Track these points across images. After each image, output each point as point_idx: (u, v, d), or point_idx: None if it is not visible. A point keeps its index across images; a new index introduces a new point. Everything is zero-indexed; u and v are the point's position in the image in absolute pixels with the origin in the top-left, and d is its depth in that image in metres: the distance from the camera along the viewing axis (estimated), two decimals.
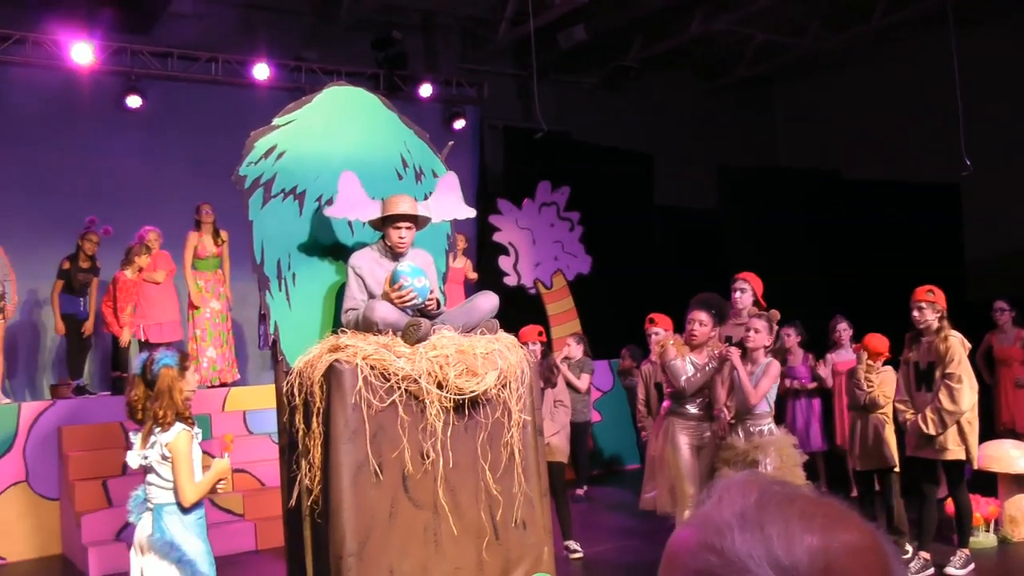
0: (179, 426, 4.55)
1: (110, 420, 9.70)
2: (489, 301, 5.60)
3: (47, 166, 11.38)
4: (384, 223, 5.51)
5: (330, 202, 5.69)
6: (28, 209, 11.07)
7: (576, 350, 10.39)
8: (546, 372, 7.69)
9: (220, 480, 4.74)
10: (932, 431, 6.78)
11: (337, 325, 5.48)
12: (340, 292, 5.69)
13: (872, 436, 7.57)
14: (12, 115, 11.31)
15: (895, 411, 7.32)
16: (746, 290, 7.49)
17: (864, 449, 7.63)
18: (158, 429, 4.57)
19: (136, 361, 4.78)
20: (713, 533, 0.96)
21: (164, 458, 4.55)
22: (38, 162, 11.36)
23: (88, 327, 10.47)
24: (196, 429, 4.70)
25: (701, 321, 6.80)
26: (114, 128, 11.95)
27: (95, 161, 11.65)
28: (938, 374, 6.84)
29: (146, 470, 4.64)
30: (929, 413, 6.80)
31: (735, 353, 6.60)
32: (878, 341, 7.62)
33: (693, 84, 16.57)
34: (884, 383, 7.52)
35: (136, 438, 4.72)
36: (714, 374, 6.77)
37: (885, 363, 7.65)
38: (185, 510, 4.56)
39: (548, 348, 8.51)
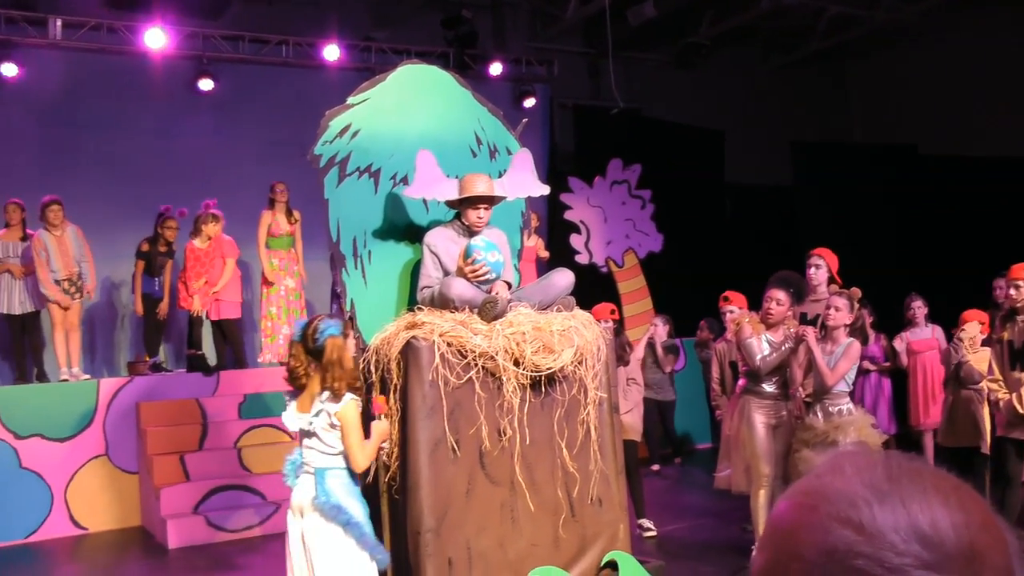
0: (348, 396, 4.56)
1: (186, 396, 9.90)
2: (565, 278, 5.60)
3: (122, 149, 11.55)
4: (461, 202, 5.53)
5: (405, 180, 5.72)
6: (104, 192, 11.26)
7: (662, 331, 10.66)
8: (619, 350, 7.68)
9: (383, 442, 4.82)
10: None
11: (412, 303, 5.50)
12: (415, 270, 5.71)
13: (964, 413, 7.44)
14: (88, 100, 11.50)
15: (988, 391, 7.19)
16: (821, 266, 7.39)
17: (953, 426, 7.49)
18: (325, 396, 4.58)
19: (296, 327, 4.81)
20: (845, 506, 0.91)
21: (332, 426, 4.58)
22: (113, 146, 11.54)
23: (163, 307, 10.63)
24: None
25: (779, 300, 6.72)
26: (187, 111, 12.10)
27: (169, 144, 11.81)
28: None
29: (305, 434, 4.67)
30: None
31: (811, 333, 6.51)
32: (980, 315, 7.49)
33: (765, 59, 16.34)
34: (979, 362, 7.38)
35: (292, 402, 4.76)
36: (790, 354, 6.70)
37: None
38: (352, 475, 4.63)
39: (620, 326, 8.49)
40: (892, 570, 0.87)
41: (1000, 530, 0.91)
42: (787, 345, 6.67)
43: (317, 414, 4.60)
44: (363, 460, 4.59)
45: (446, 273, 5.47)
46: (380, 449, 4.86)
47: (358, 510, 4.61)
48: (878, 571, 0.88)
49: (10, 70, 11.17)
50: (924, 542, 0.88)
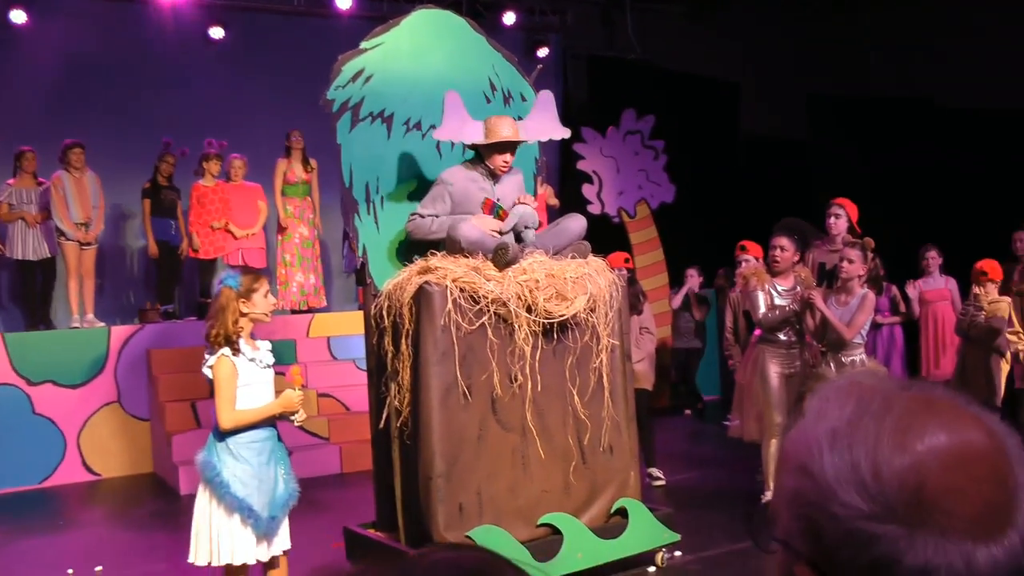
0: (222, 351, 4.43)
1: (198, 344, 9.90)
2: (578, 223, 5.59)
3: (133, 99, 11.46)
4: (487, 146, 5.51)
5: (418, 126, 5.72)
6: (115, 141, 11.14)
7: (697, 281, 11.46)
8: (632, 299, 7.69)
9: (292, 413, 4.62)
10: None
11: (426, 248, 5.49)
12: None
13: (977, 367, 7.41)
14: (98, 49, 11.39)
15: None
16: (841, 216, 7.36)
17: (965, 381, 7.47)
18: (208, 350, 4.51)
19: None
20: (805, 452, 0.92)
21: (209, 380, 4.52)
22: (124, 95, 11.44)
23: (184, 248, 10.67)
24: (256, 353, 4.58)
25: (782, 247, 6.75)
26: (199, 60, 12.01)
27: (181, 94, 11.71)
28: None
29: None
30: None
31: (817, 296, 6.52)
32: (993, 264, 7.46)
33: (781, 10, 16.12)
34: (1000, 312, 7.37)
35: None
36: (799, 311, 6.70)
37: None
38: (224, 433, 4.46)
39: (633, 275, 8.51)
40: (835, 519, 0.87)
41: (987, 462, 0.88)
42: (791, 307, 6.68)
43: (203, 365, 4.53)
44: (225, 420, 4.43)
45: (463, 213, 5.45)
46: (393, 396, 4.83)
47: (235, 469, 4.44)
48: (824, 520, 0.88)
49: (19, 17, 11.06)
50: (864, 494, 0.86)
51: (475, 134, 5.52)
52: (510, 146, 5.52)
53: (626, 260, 8.17)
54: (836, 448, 0.89)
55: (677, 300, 11.56)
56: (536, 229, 5.69)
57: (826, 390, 0.97)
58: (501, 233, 5.45)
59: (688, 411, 11.64)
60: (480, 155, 5.58)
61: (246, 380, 4.49)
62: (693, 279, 11.52)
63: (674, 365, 11.97)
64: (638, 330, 7.81)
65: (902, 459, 0.86)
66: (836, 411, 0.92)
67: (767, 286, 6.75)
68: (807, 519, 0.90)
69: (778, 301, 6.72)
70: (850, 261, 6.58)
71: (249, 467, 4.47)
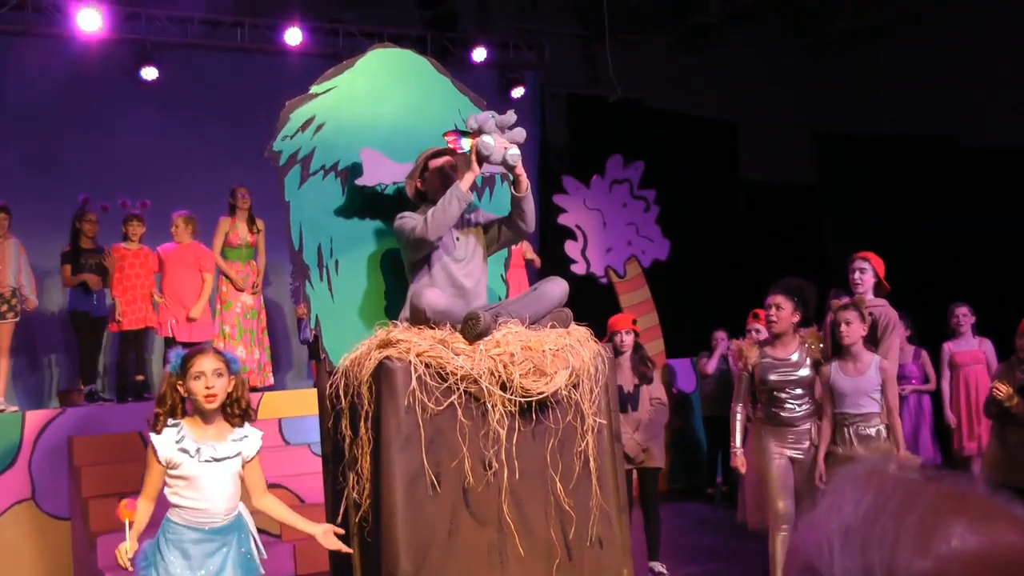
0: (151, 434, 4.70)
1: (128, 429, 9.83)
2: (559, 287, 5.60)
3: (51, 148, 11.46)
4: (423, 173, 5.60)
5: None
6: (30, 196, 11.11)
7: (726, 344, 11.45)
8: (640, 366, 7.74)
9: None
10: None
11: (389, 316, 5.51)
12: (389, 281, 5.74)
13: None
14: (13, 91, 11.42)
15: None
16: (867, 270, 7.42)
17: (1011, 459, 7.32)
18: None
19: None
20: (815, 551, 0.92)
21: None
22: (44, 144, 11.45)
23: (112, 325, 10.63)
24: (201, 444, 4.73)
25: (778, 304, 6.82)
26: (128, 104, 12.02)
27: (108, 142, 11.72)
28: None
29: None
30: None
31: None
32: None
33: (783, 41, 16.36)
34: None
35: None
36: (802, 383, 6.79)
37: None
38: (167, 521, 4.71)
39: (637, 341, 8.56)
40: None
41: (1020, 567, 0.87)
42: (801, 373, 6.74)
43: None
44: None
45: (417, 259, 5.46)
46: (352, 486, 4.87)
47: (166, 562, 4.63)
48: None
49: None
50: None
51: (406, 169, 5.65)
52: (448, 165, 5.53)
53: (634, 322, 8.22)
54: (848, 548, 0.89)
55: (712, 364, 11.61)
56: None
57: (842, 480, 0.98)
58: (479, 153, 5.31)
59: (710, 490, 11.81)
60: (429, 199, 5.59)
61: (179, 471, 4.68)
62: (724, 342, 11.56)
63: (707, 437, 12.12)
64: (648, 401, 7.84)
65: (922, 564, 0.86)
66: (851, 506, 0.93)
67: (757, 359, 6.82)
68: None
69: (773, 377, 6.76)
70: (847, 323, 6.67)
71: (182, 561, 4.64)
